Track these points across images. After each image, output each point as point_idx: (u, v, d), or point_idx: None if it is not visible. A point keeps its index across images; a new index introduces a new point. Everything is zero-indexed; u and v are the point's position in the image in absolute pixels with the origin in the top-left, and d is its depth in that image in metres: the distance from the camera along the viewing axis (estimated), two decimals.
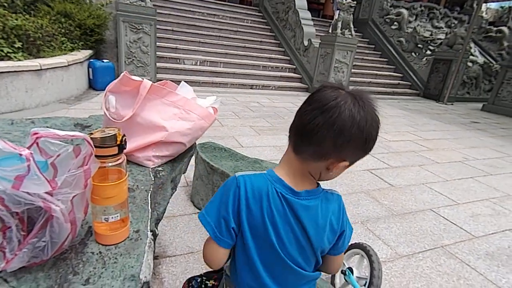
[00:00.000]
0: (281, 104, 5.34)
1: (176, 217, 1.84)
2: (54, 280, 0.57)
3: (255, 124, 3.95)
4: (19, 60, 3.28)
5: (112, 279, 0.60)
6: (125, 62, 4.94)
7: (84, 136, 0.57)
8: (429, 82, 8.08)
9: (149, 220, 0.78)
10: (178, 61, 6.29)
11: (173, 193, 1.10)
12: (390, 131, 4.42)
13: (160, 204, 0.86)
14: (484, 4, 9.99)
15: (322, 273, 0.81)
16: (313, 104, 0.62)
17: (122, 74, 1.03)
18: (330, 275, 1.45)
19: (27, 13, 4.30)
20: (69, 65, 3.88)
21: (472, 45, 9.30)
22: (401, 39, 8.78)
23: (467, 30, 7.24)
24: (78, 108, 3.71)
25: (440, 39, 8.43)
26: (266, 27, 8.73)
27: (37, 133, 0.54)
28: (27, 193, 0.52)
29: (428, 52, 8.40)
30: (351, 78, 7.03)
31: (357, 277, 1.32)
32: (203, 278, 0.87)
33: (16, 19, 3.51)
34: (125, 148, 0.65)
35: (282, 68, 7.39)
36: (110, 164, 0.64)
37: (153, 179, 0.98)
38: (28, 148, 0.54)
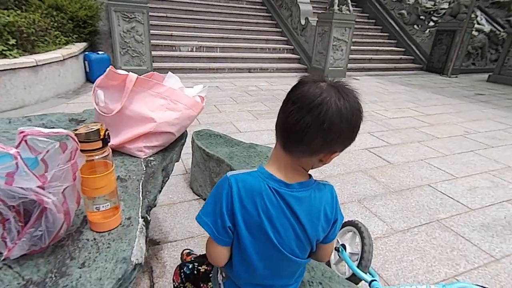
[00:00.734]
0: (280, 87, 5.31)
1: (176, 204, 1.90)
2: (53, 264, 0.63)
3: (253, 109, 3.96)
4: (15, 57, 3.29)
5: (106, 262, 0.65)
6: (120, 52, 4.92)
7: (67, 132, 0.61)
8: (432, 55, 7.90)
9: (140, 208, 0.83)
10: (174, 48, 6.23)
11: (166, 181, 1.15)
12: (390, 108, 4.40)
13: (151, 192, 0.91)
14: None
15: None
16: (298, 103, 0.61)
17: (108, 69, 1.06)
18: None
19: (18, 8, 4.27)
20: (64, 59, 3.89)
21: (478, 13, 8.92)
22: (403, 11, 8.53)
23: None
24: (76, 102, 3.75)
25: (444, 9, 8.13)
26: (262, 7, 8.54)
27: (23, 132, 0.58)
28: (21, 188, 0.56)
29: (431, 23, 8.14)
30: (351, 56, 6.91)
31: (349, 253, 1.38)
32: (195, 264, 0.91)
33: (8, 16, 3.50)
34: (109, 142, 0.69)
35: (280, 49, 7.29)
36: (96, 157, 0.68)
37: (144, 169, 1.02)
38: (17, 146, 0.59)
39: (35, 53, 3.65)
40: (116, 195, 0.75)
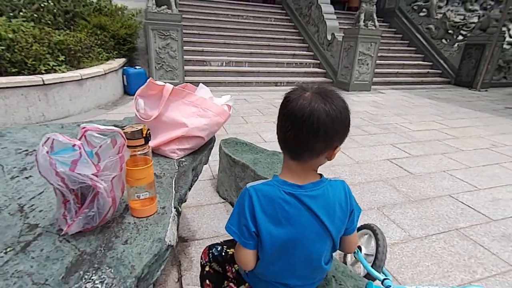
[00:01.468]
0: None
1: (203, 206, 2.02)
2: (102, 240, 0.75)
3: None
4: (63, 72, 3.66)
5: (144, 240, 0.77)
6: (155, 67, 5.27)
7: (118, 130, 0.75)
8: (461, 69, 7.66)
9: (173, 200, 0.95)
10: (204, 63, 6.55)
11: (195, 180, 1.27)
12: (414, 121, 4.33)
13: (182, 187, 1.03)
14: None
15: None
16: (291, 119, 0.69)
17: (148, 80, 1.22)
18: (342, 255, 1.56)
19: (67, 28, 4.76)
20: (105, 73, 4.25)
21: (511, 26, 8.64)
22: (430, 26, 8.40)
23: (501, 11, 6.77)
24: (115, 112, 4.07)
25: (474, 23, 7.94)
26: (290, 24, 8.77)
27: (85, 128, 0.72)
28: (80, 174, 0.70)
29: (460, 37, 7.95)
30: (376, 70, 6.88)
31: (365, 254, 1.42)
32: (224, 246, 0.98)
33: (59, 35, 3.92)
34: (149, 140, 0.82)
35: (306, 64, 7.42)
36: (139, 152, 0.81)
37: (177, 168, 1.15)
38: (79, 139, 0.73)
39: (80, 68, 4.03)
40: (153, 187, 0.87)
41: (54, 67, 3.63)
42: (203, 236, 1.73)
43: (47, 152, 0.68)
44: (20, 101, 3.19)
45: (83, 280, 0.64)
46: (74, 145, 0.69)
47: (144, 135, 0.80)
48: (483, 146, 3.45)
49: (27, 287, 0.61)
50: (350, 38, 6.16)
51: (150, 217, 0.86)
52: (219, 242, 1.04)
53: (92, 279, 0.64)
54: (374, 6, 5.94)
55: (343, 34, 6.46)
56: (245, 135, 3.38)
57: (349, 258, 1.49)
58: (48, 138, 0.69)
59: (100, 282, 0.64)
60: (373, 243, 1.40)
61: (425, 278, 1.50)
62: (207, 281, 0.99)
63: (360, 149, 3.18)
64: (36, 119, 3.31)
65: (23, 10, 4.33)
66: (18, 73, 3.32)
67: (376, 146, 3.29)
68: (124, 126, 1.52)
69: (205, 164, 1.42)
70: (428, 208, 2.11)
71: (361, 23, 5.89)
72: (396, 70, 7.72)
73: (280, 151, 0.77)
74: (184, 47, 6.08)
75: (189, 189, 1.15)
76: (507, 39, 8.05)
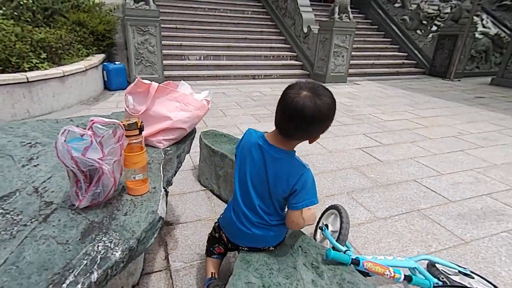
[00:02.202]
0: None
1: (186, 194, 2.20)
2: (106, 213, 0.94)
3: (256, 113, 4.26)
4: (45, 69, 3.70)
5: (141, 212, 0.95)
6: (134, 63, 5.32)
7: (119, 122, 0.92)
8: (435, 59, 8.07)
9: (161, 181, 1.13)
10: (183, 57, 6.63)
11: (179, 166, 1.45)
12: (387, 111, 4.63)
13: (168, 171, 1.21)
14: None
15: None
16: (288, 111, 0.92)
17: (136, 79, 1.38)
18: (313, 233, 1.78)
19: (47, 25, 4.73)
20: (86, 69, 4.29)
21: (484, 16, 8.96)
22: (405, 17, 8.75)
23: (472, 2, 7.13)
24: (97, 107, 4.14)
25: (447, 13, 8.30)
26: (267, 16, 8.91)
27: (93, 120, 0.89)
28: (90, 158, 0.88)
29: (434, 28, 8.31)
30: (352, 61, 7.18)
31: (331, 231, 1.64)
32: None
33: (40, 33, 3.93)
34: (143, 131, 1.00)
35: (283, 56, 7.61)
36: (134, 141, 0.99)
37: (163, 156, 1.33)
38: (88, 129, 0.90)
39: (62, 65, 4.06)
40: (146, 170, 1.05)
41: (36, 65, 3.66)
42: (187, 220, 1.91)
43: (64, 140, 0.85)
44: (6, 98, 3.24)
45: (96, 241, 0.82)
46: (83, 134, 0.87)
47: (138, 127, 0.98)
48: (450, 134, 3.73)
49: (54, 246, 0.79)
50: (326, 30, 6.39)
51: (143, 195, 1.04)
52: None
53: (103, 240, 0.83)
54: None
55: (318, 27, 6.68)
56: (224, 128, 3.56)
57: (318, 235, 1.70)
58: (65, 130, 0.86)
59: (109, 241, 0.82)
60: (338, 221, 1.62)
61: (386, 252, 1.71)
62: (207, 242, 1.35)
63: (333, 139, 3.43)
64: (22, 116, 3.37)
65: (3, 8, 4.28)
66: (3, 71, 3.35)
67: (349, 136, 3.54)
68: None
69: (187, 153, 1.60)
70: (394, 192, 2.34)
71: (336, 15, 6.12)
72: (371, 61, 8.06)
73: None
74: (163, 42, 6.13)
75: (175, 173, 1.34)
76: (480, 29, 8.41)
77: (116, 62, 5.32)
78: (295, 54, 7.64)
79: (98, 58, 4.94)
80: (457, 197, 2.31)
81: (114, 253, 0.79)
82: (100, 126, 0.92)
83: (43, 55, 3.78)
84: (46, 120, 1.59)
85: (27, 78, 3.33)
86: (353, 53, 7.65)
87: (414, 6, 8.68)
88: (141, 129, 0.99)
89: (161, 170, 1.21)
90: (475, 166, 2.86)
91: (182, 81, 1.56)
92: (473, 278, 1.37)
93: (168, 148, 1.41)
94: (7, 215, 0.88)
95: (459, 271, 1.39)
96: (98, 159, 0.89)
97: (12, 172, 1.12)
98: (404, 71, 8.20)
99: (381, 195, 2.29)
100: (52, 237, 0.82)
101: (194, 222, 1.90)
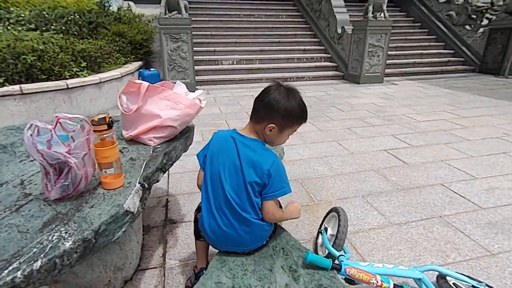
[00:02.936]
0: (312, 94, 5.47)
1: (195, 193, 2.22)
2: (74, 205, 0.97)
3: None
4: (85, 76, 4.05)
5: (106, 206, 0.97)
6: (168, 68, 5.59)
7: (83, 117, 0.95)
8: (486, 55, 7.29)
9: (139, 177, 1.15)
10: (216, 62, 6.81)
11: (170, 163, 1.45)
12: (423, 112, 4.27)
13: (150, 167, 1.22)
14: None
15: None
16: (265, 100, 1.05)
17: (129, 79, 1.43)
18: (315, 238, 1.68)
19: (91, 36, 5.19)
20: (122, 76, 4.60)
21: None
22: (451, 12, 8.06)
23: None
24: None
25: (500, 5, 7.49)
26: (301, 19, 8.81)
27: (57, 116, 0.93)
28: (56, 152, 0.91)
29: (485, 22, 7.54)
30: (390, 61, 6.78)
31: (330, 234, 1.54)
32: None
33: (82, 44, 4.32)
34: (112, 126, 1.02)
35: (317, 58, 7.44)
36: (105, 135, 1.02)
37: (151, 153, 1.36)
38: (54, 127, 0.94)
39: (100, 72, 4.41)
40: (119, 165, 1.07)
41: (77, 73, 4.01)
42: (191, 219, 1.90)
43: (31, 134, 0.90)
44: (48, 103, 3.60)
45: (54, 231, 0.85)
46: (49, 129, 0.91)
47: (107, 122, 1.00)
48: (494, 135, 3.34)
49: (14, 234, 0.83)
50: (359, 30, 6.12)
51: (117, 189, 1.06)
52: None
53: (60, 230, 0.85)
54: None
55: (352, 27, 6.43)
56: None
57: (320, 240, 1.61)
58: (32, 124, 0.91)
59: (65, 232, 0.84)
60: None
61: (395, 261, 1.54)
62: (194, 223, 1.37)
63: (358, 140, 3.24)
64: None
65: (54, 24, 4.80)
66: (47, 79, 3.73)
67: (375, 137, 3.33)
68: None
69: (184, 152, 1.61)
70: (415, 196, 2.14)
71: (370, 14, 5.84)
72: (413, 60, 7.52)
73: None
74: (197, 48, 6.37)
75: (162, 171, 1.35)
76: None
77: (152, 69, 5.64)
78: (329, 55, 7.43)
79: (135, 65, 5.28)
80: (490, 204, 2.04)
81: (65, 243, 0.80)
82: (70, 122, 0.95)
83: (83, 64, 4.13)
84: None
85: (67, 85, 3.67)
86: (392, 52, 7.25)
87: (461, 0, 7.95)
88: (110, 125, 1.01)
89: (143, 166, 1.23)
90: None
91: (178, 81, 1.58)
92: None
93: (158, 146, 1.43)
94: None
95: (473, 285, 1.21)
96: (65, 152, 0.93)
97: (9, 166, 1.21)
98: (450, 69, 7.52)
99: (400, 200, 2.11)
100: (16, 226, 0.86)
101: None
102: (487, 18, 7.55)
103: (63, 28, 4.88)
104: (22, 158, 1.28)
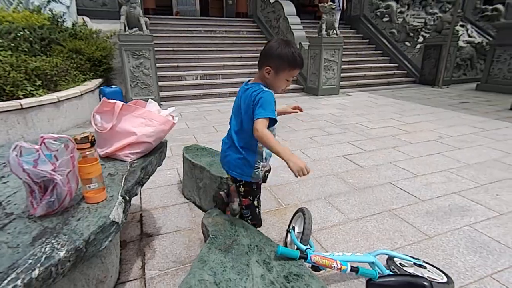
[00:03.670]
0: None
1: (169, 207, 2.28)
2: (61, 219, 1.03)
3: None
4: (40, 95, 3.89)
5: (93, 218, 1.04)
6: (130, 85, 5.53)
7: (68, 137, 1.03)
8: (423, 68, 8.23)
9: (120, 190, 1.23)
10: (180, 78, 6.86)
11: (147, 177, 1.54)
12: (374, 120, 4.71)
13: (129, 181, 1.31)
14: None
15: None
16: (266, 47, 1.31)
17: (102, 99, 1.50)
18: (283, 238, 1.84)
19: (44, 53, 4.98)
20: (82, 94, 4.49)
21: (469, 26, 9.37)
22: (393, 30, 9.00)
23: (452, 15, 7.39)
24: (92, 130, 4.28)
25: (432, 25, 8.57)
26: (261, 35, 9.22)
27: (42, 136, 1.00)
28: (41, 170, 0.98)
29: (421, 39, 8.55)
30: (345, 74, 7.33)
31: (297, 232, 1.70)
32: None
33: (35, 62, 4.16)
34: (94, 145, 1.11)
35: None
36: (87, 153, 1.10)
37: (128, 168, 1.43)
38: (39, 145, 1.01)
39: (57, 91, 4.26)
40: (101, 180, 1.15)
41: (31, 92, 3.85)
42: (167, 231, 1.98)
43: (16, 155, 0.95)
44: (0, 125, 3.41)
45: (45, 243, 0.91)
46: (37, 149, 0.98)
47: (90, 140, 1.09)
48: (431, 138, 3.80)
49: (4, 250, 0.88)
50: (315, 46, 6.59)
51: (100, 203, 1.14)
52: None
53: (51, 242, 0.91)
54: (334, 16, 6.40)
55: (309, 43, 6.90)
56: (214, 143, 3.65)
57: (289, 238, 1.76)
58: (17, 145, 0.97)
59: (57, 243, 0.91)
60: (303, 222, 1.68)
61: (354, 250, 1.76)
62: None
63: (319, 148, 3.50)
64: (16, 141, 3.51)
65: (0, 40, 4.55)
66: None
67: (334, 144, 3.62)
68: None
69: (159, 166, 1.70)
70: (369, 195, 2.41)
71: (323, 32, 6.33)
72: (363, 73, 8.21)
73: None
74: (160, 64, 6.38)
75: (140, 185, 1.43)
76: (466, 38, 8.70)
77: (113, 86, 5.53)
78: None
79: (95, 83, 5.16)
80: (428, 196, 2.37)
81: (59, 252, 0.87)
82: (53, 142, 1.02)
83: (38, 83, 3.97)
84: (27, 141, 1.71)
85: (21, 105, 3.51)
86: (345, 66, 7.86)
87: (400, 20, 8.93)
88: (92, 143, 1.09)
89: (123, 180, 1.31)
90: (449, 167, 2.92)
91: (149, 99, 1.68)
92: (425, 268, 1.45)
93: (135, 161, 1.51)
94: None
95: (414, 263, 1.47)
96: (51, 170, 0.99)
97: None
98: (395, 80, 8.33)
99: (356, 199, 2.36)
100: (4, 243, 0.91)
101: (173, 232, 1.97)
102: (422, 35, 8.56)
103: (12, 44, 4.63)
104: None
